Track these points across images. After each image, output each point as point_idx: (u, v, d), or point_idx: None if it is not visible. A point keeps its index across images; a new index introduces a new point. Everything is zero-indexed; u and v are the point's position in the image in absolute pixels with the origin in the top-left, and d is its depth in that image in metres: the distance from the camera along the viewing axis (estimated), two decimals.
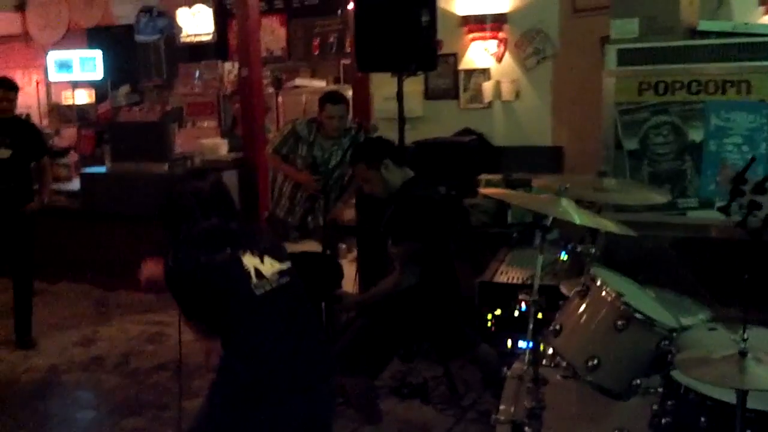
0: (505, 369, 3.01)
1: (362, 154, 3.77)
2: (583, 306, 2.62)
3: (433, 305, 3.68)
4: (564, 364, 2.76)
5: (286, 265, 2.57)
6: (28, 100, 9.21)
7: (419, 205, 3.63)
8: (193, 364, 5.01)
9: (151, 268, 2.65)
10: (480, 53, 5.73)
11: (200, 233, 2.54)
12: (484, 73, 5.73)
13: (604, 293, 2.52)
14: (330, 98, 4.98)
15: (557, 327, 2.85)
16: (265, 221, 5.77)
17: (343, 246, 7.09)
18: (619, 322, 2.45)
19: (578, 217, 2.68)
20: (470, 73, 5.78)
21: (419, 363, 4.63)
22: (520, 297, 2.78)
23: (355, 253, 6.88)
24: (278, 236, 4.90)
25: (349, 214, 6.39)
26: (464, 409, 4.16)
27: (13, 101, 5.38)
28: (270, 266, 2.51)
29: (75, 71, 8.79)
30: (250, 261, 2.47)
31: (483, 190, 3.46)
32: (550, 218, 2.74)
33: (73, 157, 7.94)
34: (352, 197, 5.61)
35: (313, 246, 4.94)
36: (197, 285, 2.44)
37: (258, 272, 2.47)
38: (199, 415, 2.57)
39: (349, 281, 5.28)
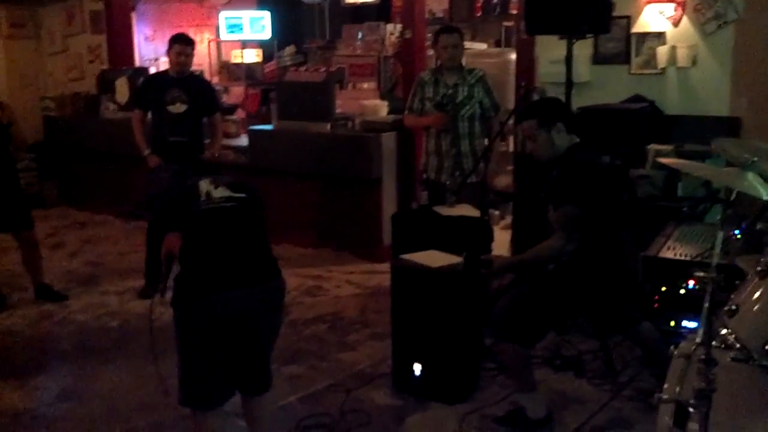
0: (672, 348, 2.89)
1: (537, 112, 3.67)
2: (763, 287, 2.47)
3: (597, 277, 3.57)
4: (737, 345, 2.62)
5: (238, 195, 3.08)
6: (200, 59, 9.64)
7: (584, 170, 3.52)
8: (348, 319, 5.18)
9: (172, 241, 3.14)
10: (655, 16, 5.43)
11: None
12: (659, 37, 5.44)
13: None
14: (443, 29, 5.22)
15: (733, 307, 2.70)
16: (420, 184, 5.81)
17: (496, 212, 7.03)
18: None
19: (766, 192, 2.51)
20: (643, 36, 5.50)
21: (573, 336, 4.55)
22: (696, 273, 2.64)
23: (507, 221, 6.82)
24: (435, 200, 4.94)
25: (504, 180, 6.32)
26: (620, 385, 4.04)
27: (189, 56, 5.64)
28: (221, 192, 3.06)
29: (245, 31, 9.10)
30: (205, 186, 3.06)
31: (662, 160, 3.29)
32: (734, 192, 2.58)
33: (240, 114, 8.27)
34: (508, 164, 5.54)
35: (469, 210, 4.91)
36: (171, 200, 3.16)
37: (208, 194, 3.05)
38: None
39: (501, 249, 5.24)
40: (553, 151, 3.58)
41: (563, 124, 3.56)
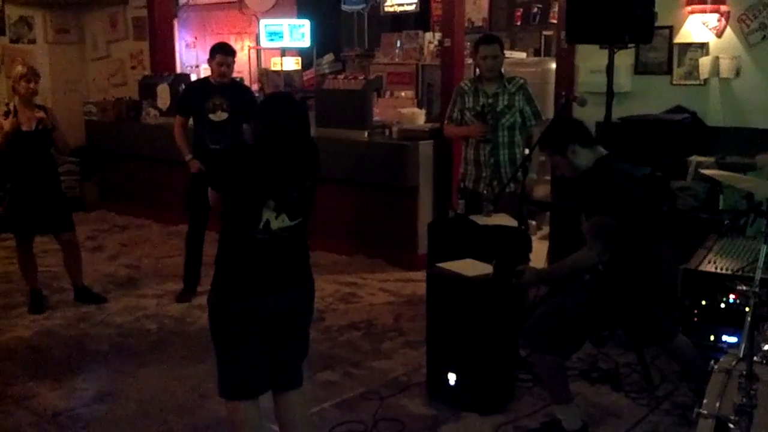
0: (711, 362, 2.84)
1: (547, 141, 3.72)
2: None
3: (632, 288, 3.53)
4: None
5: (294, 222, 3.03)
6: (239, 66, 9.73)
7: (612, 180, 3.50)
8: (382, 326, 5.18)
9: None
10: (698, 27, 5.37)
11: (253, 148, 3.03)
12: (702, 47, 5.37)
13: None
14: (482, 39, 5.15)
15: None
16: (458, 192, 5.79)
17: (533, 222, 6.98)
18: None
19: None
20: (686, 47, 5.43)
21: (611, 348, 4.50)
22: (739, 287, 2.60)
23: (544, 231, 6.77)
24: (472, 209, 4.92)
25: (541, 190, 6.28)
26: (658, 399, 3.98)
27: (231, 66, 5.69)
28: (280, 222, 2.99)
29: (284, 39, 9.17)
30: (267, 213, 2.96)
31: (704, 171, 3.25)
32: None
33: None
34: (547, 174, 5.50)
35: (506, 220, 4.88)
36: (227, 178, 2.99)
37: (267, 224, 2.96)
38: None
39: (538, 259, 5.20)
40: (577, 170, 3.56)
41: (577, 142, 3.54)
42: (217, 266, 3.10)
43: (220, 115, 5.62)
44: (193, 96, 5.84)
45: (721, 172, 3.43)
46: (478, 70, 5.22)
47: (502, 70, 5.19)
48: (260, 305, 3.04)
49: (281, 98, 3.32)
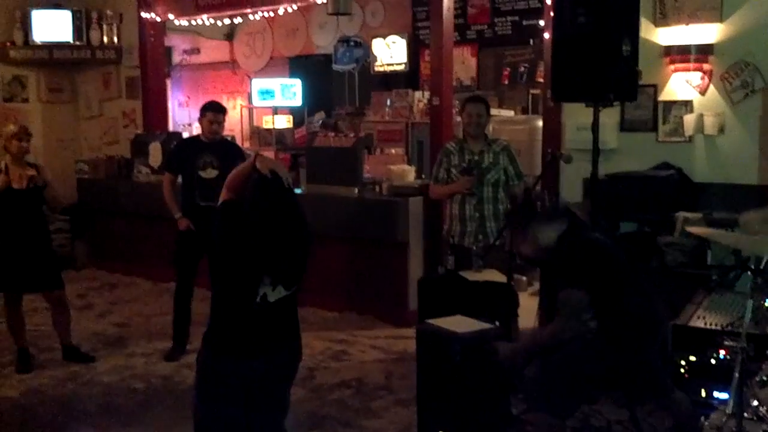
0: (702, 419, 2.84)
1: (511, 224, 3.87)
2: None
3: (630, 346, 3.49)
4: None
5: (290, 291, 3.07)
6: (232, 124, 9.85)
7: (577, 253, 3.50)
8: (373, 384, 5.13)
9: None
10: (682, 85, 5.48)
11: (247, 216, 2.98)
12: (686, 105, 5.47)
13: None
14: (470, 99, 5.42)
15: (764, 378, 2.66)
16: (448, 248, 5.80)
17: (524, 278, 6.98)
18: None
19: None
20: (671, 105, 5.54)
21: (603, 406, 4.46)
22: (726, 342, 2.61)
23: (535, 287, 6.76)
24: (461, 264, 4.93)
25: (532, 246, 6.28)
26: None
27: (221, 123, 5.75)
28: (277, 294, 3.02)
29: (276, 98, 9.30)
30: (264, 288, 2.99)
31: (691, 229, 3.27)
32: (765, 260, 2.56)
33: None
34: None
35: (496, 276, 4.89)
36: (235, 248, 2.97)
37: (264, 297, 3.00)
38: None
39: (528, 315, 5.18)
40: (542, 249, 3.60)
41: (537, 222, 3.63)
42: (211, 325, 3.10)
43: (210, 173, 5.65)
44: (183, 153, 5.87)
45: (707, 230, 3.46)
46: (463, 128, 5.33)
47: (487, 132, 5.30)
48: (251, 367, 3.05)
49: (272, 188, 3.12)
